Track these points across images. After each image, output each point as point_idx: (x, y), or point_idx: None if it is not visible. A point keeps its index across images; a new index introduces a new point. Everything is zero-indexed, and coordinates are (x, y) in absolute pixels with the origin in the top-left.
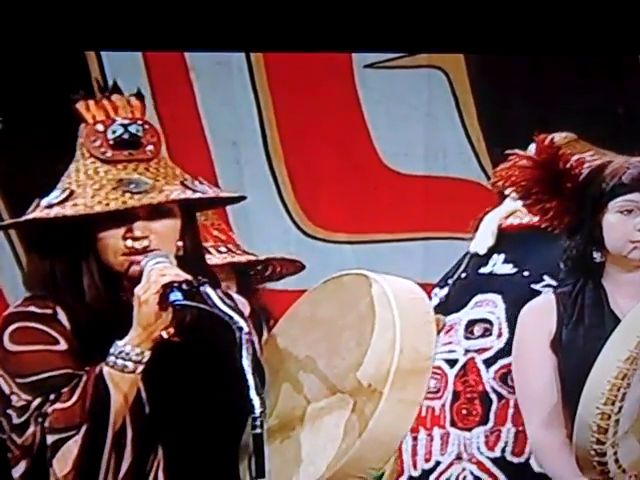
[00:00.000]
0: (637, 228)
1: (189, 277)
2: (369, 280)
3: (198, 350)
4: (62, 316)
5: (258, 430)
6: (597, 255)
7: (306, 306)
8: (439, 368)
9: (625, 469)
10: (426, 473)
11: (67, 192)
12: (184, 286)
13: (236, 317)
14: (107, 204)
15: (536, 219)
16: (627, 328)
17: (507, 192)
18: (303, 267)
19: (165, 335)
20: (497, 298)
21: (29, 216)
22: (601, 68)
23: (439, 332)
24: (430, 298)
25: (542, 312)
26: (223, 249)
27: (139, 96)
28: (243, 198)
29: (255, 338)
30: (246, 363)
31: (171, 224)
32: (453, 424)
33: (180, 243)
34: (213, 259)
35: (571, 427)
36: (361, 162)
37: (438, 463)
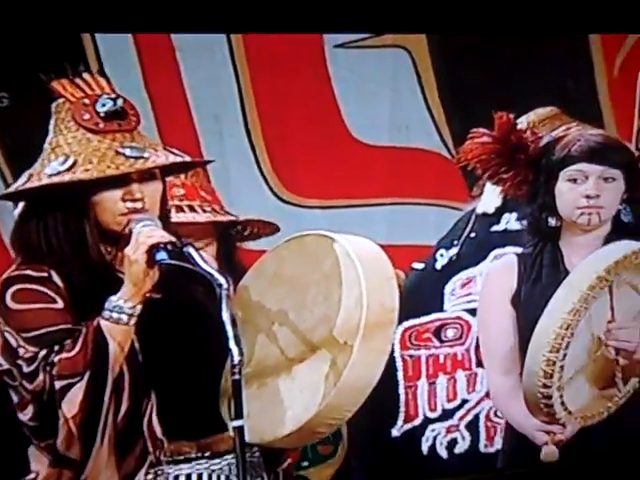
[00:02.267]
0: (583, 195)
1: (174, 239)
2: (332, 240)
3: (181, 304)
4: (56, 278)
5: (237, 376)
6: (552, 220)
7: (271, 263)
8: (459, 318)
9: (571, 411)
10: (450, 412)
11: (71, 160)
12: (169, 247)
13: (216, 275)
14: (117, 167)
15: None
16: (571, 283)
17: (470, 166)
18: (278, 229)
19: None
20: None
21: (38, 183)
22: (553, 47)
23: (400, 286)
24: (435, 260)
25: (504, 271)
26: (208, 209)
27: (103, 74)
28: (212, 161)
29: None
30: (225, 316)
31: (157, 187)
32: (480, 365)
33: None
34: (198, 217)
35: None
36: (332, 134)
37: (465, 401)
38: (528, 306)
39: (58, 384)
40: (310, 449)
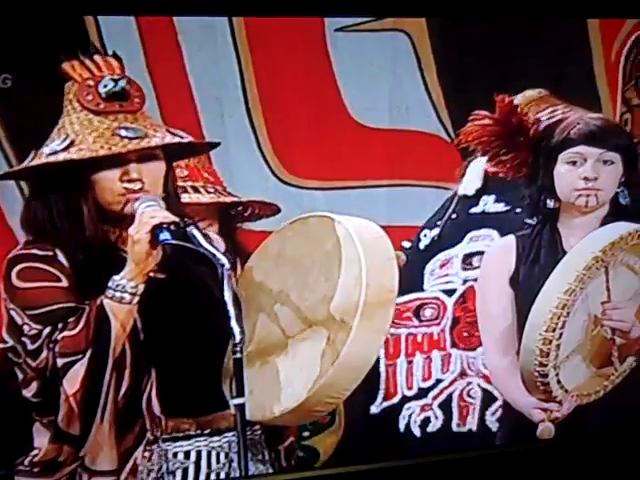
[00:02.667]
0: (581, 177)
1: (176, 219)
2: (334, 221)
3: (183, 284)
4: (61, 257)
5: (238, 355)
6: (551, 202)
7: (275, 243)
8: (436, 298)
9: (567, 389)
10: (425, 390)
11: (68, 140)
12: (172, 227)
13: (218, 255)
14: (110, 148)
15: None
16: (568, 264)
17: (470, 148)
18: (279, 210)
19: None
20: (493, 232)
21: (36, 162)
22: (552, 31)
23: (400, 267)
24: (419, 240)
25: (503, 252)
26: (211, 189)
27: (116, 56)
28: (218, 144)
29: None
30: (227, 295)
31: (158, 167)
32: (454, 346)
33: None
34: (202, 198)
35: None
36: (332, 116)
37: (439, 381)
38: (526, 287)
39: (60, 361)
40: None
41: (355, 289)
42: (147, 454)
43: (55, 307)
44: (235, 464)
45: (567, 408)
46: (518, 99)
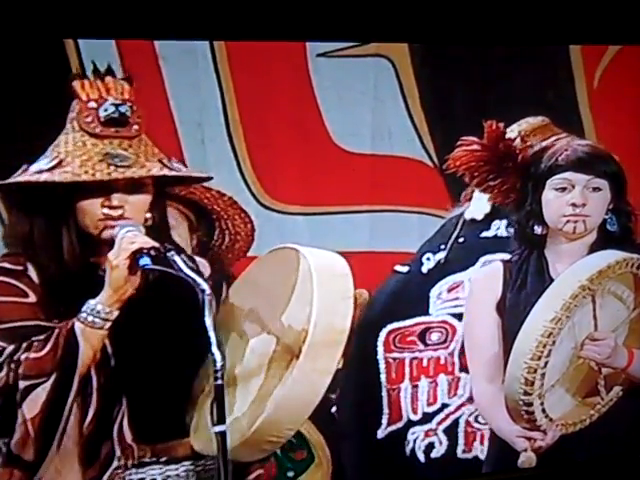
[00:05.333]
0: (569, 203)
1: (156, 244)
2: (299, 255)
3: (158, 309)
4: (32, 272)
5: (219, 381)
6: (538, 228)
7: (251, 275)
8: (444, 322)
9: (552, 418)
10: (430, 415)
11: (56, 160)
12: (152, 252)
13: (199, 280)
14: (93, 174)
15: None
16: (555, 292)
17: (459, 174)
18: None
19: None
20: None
21: (20, 179)
22: (534, 57)
23: (362, 306)
24: (421, 263)
25: (490, 278)
26: None
27: (128, 80)
28: (210, 178)
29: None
30: (208, 321)
31: (143, 198)
32: (463, 370)
33: (149, 215)
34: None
35: None
36: (314, 142)
37: (445, 405)
38: (513, 313)
39: (22, 383)
40: (286, 459)
41: (305, 327)
42: None
43: (20, 324)
44: None
45: (551, 437)
46: (522, 125)
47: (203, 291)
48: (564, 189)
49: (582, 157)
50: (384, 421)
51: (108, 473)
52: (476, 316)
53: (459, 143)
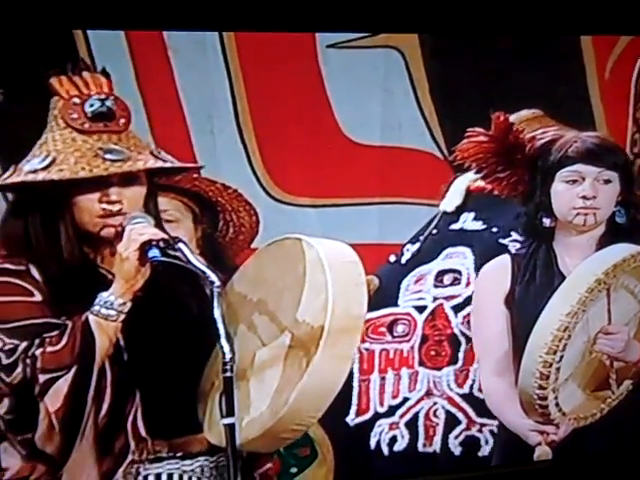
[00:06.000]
0: (579, 196)
1: (166, 236)
2: (305, 244)
3: (171, 302)
4: (35, 272)
5: (229, 373)
6: (547, 221)
7: (252, 267)
8: (408, 314)
9: (565, 412)
10: (393, 408)
11: (49, 159)
12: (161, 244)
13: (208, 272)
14: (90, 170)
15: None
16: (570, 285)
17: (466, 165)
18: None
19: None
20: (467, 250)
21: (15, 179)
22: (544, 49)
23: (372, 292)
24: (402, 254)
25: (498, 271)
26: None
27: (105, 73)
28: (201, 167)
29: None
30: (217, 313)
31: (139, 190)
32: (422, 364)
33: (144, 206)
34: None
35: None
36: (323, 133)
37: (406, 399)
38: (522, 307)
39: (42, 377)
40: (290, 456)
41: (321, 315)
42: (129, 475)
43: (29, 322)
44: None
45: (564, 431)
46: (512, 118)
47: (212, 283)
48: (574, 181)
49: (592, 149)
50: (352, 412)
51: (123, 467)
52: (484, 310)
53: (467, 134)
